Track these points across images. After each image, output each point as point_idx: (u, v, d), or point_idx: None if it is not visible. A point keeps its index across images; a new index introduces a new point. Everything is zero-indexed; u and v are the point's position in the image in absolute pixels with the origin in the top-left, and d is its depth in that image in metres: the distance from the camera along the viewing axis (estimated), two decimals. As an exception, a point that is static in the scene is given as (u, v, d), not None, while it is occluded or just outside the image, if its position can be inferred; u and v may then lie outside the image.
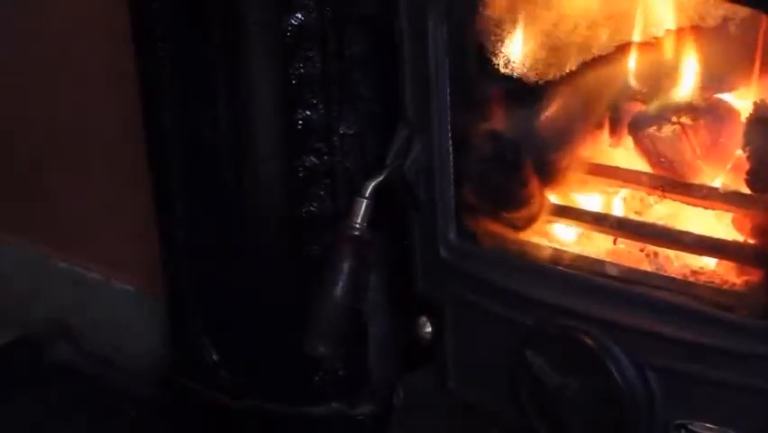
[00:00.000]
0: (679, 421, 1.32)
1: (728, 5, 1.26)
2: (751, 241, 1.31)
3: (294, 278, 1.69)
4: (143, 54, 1.73)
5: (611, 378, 1.33)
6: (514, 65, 1.42)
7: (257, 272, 1.73)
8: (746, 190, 1.31)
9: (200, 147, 1.71)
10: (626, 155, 1.46)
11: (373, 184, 1.46)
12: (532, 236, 1.47)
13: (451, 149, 1.46)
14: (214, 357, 1.79)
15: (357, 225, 1.45)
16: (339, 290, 1.45)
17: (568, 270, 1.40)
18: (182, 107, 1.71)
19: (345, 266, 1.45)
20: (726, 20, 1.32)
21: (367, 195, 1.46)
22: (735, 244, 1.32)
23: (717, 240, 1.33)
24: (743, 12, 1.27)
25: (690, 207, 1.39)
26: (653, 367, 1.32)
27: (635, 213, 1.45)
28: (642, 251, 1.41)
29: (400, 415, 1.63)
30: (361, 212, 1.46)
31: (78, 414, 2.00)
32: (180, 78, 1.69)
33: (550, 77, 1.42)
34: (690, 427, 1.31)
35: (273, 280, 1.72)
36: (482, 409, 1.53)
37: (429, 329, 1.56)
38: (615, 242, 1.44)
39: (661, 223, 1.39)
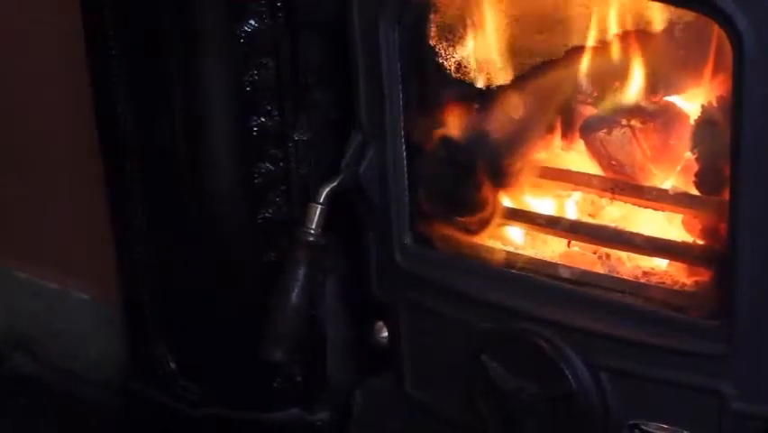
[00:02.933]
0: (632, 421, 1.33)
1: (674, 9, 1.28)
2: (700, 241, 1.32)
3: (251, 284, 1.69)
4: (97, 63, 1.72)
5: (565, 380, 1.34)
6: (465, 69, 1.43)
7: (214, 280, 1.72)
8: (696, 192, 1.33)
9: (156, 155, 1.71)
10: (578, 158, 1.47)
11: (327, 190, 1.47)
12: (486, 240, 1.48)
13: (404, 154, 1.47)
14: (172, 365, 1.78)
15: (311, 231, 1.45)
16: (294, 295, 1.45)
17: (522, 273, 1.42)
18: (138, 116, 1.70)
19: (300, 272, 1.45)
20: (672, 24, 1.33)
21: (321, 200, 1.46)
22: (684, 245, 1.33)
23: (667, 241, 1.34)
24: (688, 16, 1.29)
25: (642, 209, 1.40)
26: (607, 368, 1.33)
27: (589, 215, 1.46)
28: (595, 253, 1.43)
29: (358, 419, 1.64)
30: (315, 217, 1.46)
31: (38, 424, 1.98)
32: (135, 87, 1.68)
33: (501, 81, 1.43)
34: (643, 427, 1.32)
35: (230, 288, 1.72)
36: (440, 413, 1.53)
37: (385, 334, 1.56)
38: (569, 244, 1.45)
39: (612, 225, 1.41)
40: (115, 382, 1.90)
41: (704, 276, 1.31)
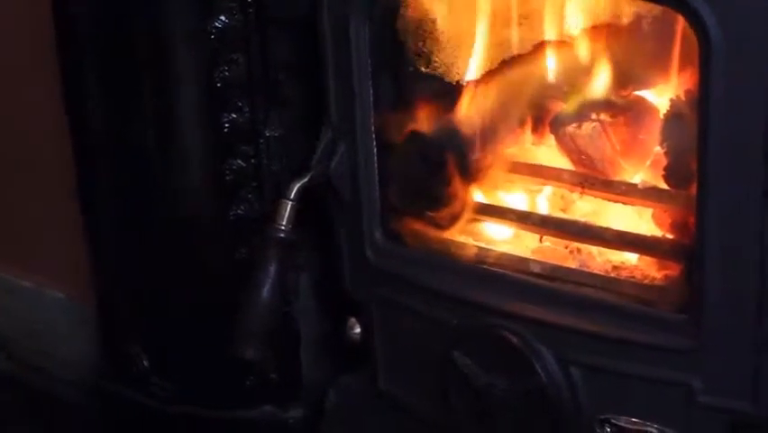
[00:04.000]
0: (603, 416, 1.33)
1: (642, 3, 1.28)
2: (669, 236, 1.32)
3: (224, 282, 1.68)
4: (67, 61, 1.71)
5: (536, 375, 1.34)
6: (435, 65, 1.42)
7: (187, 277, 1.71)
8: (665, 186, 1.33)
9: (128, 153, 1.69)
10: (548, 153, 1.47)
11: (297, 186, 1.46)
12: (457, 236, 1.47)
13: (375, 150, 1.47)
14: (145, 363, 1.77)
15: (282, 227, 1.45)
16: (265, 292, 1.45)
17: (493, 268, 1.41)
18: (109, 114, 1.69)
19: (271, 268, 1.45)
20: (641, 18, 1.33)
21: (291, 197, 1.46)
22: (653, 239, 1.33)
23: (637, 235, 1.34)
24: (656, 10, 1.29)
25: (613, 204, 1.40)
26: (577, 363, 1.33)
27: (561, 210, 1.46)
28: (566, 248, 1.43)
29: (331, 417, 1.63)
30: (286, 214, 1.45)
31: (12, 422, 1.97)
32: (106, 85, 1.67)
33: (471, 76, 1.43)
34: (613, 421, 1.32)
35: (203, 285, 1.71)
36: (413, 410, 1.53)
37: (358, 330, 1.56)
38: (541, 239, 1.45)
39: (583, 219, 1.41)
40: (89, 380, 1.89)
41: (673, 270, 1.31)
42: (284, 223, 1.45)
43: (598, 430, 1.33)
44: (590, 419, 1.33)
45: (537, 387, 1.34)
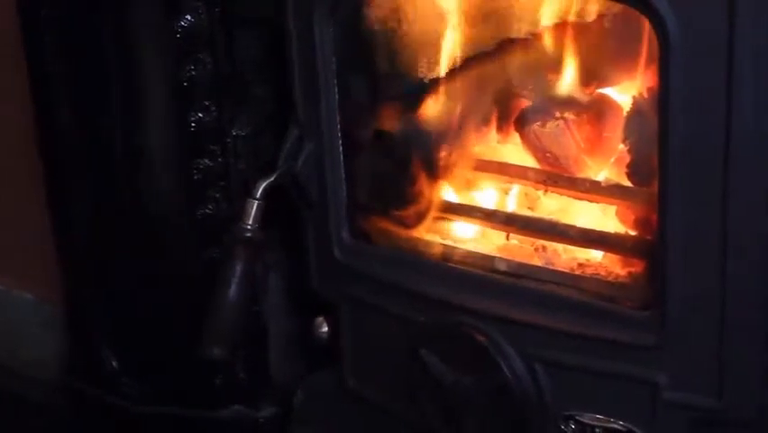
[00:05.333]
0: (568, 413, 1.33)
1: (602, 2, 1.28)
2: (633, 233, 1.33)
3: (192, 281, 1.68)
4: (34, 60, 1.71)
5: (501, 372, 1.34)
6: (400, 64, 1.43)
7: (156, 277, 1.71)
8: (628, 183, 1.34)
9: (95, 153, 1.69)
10: (514, 151, 1.47)
11: (264, 185, 1.46)
12: (424, 234, 1.48)
13: (341, 148, 1.47)
14: (114, 363, 1.77)
15: (249, 227, 1.45)
16: (232, 291, 1.45)
17: (459, 266, 1.41)
18: (76, 114, 1.69)
19: (238, 268, 1.45)
20: (604, 15, 1.34)
21: (258, 196, 1.46)
22: (617, 236, 1.34)
23: (601, 232, 1.35)
24: (618, 8, 1.29)
25: (579, 201, 1.41)
26: (542, 360, 1.33)
27: (529, 208, 1.46)
28: (533, 246, 1.43)
29: (300, 416, 1.64)
30: (253, 213, 1.45)
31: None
32: (72, 84, 1.67)
33: (435, 74, 1.43)
34: (578, 417, 1.33)
35: (172, 285, 1.71)
36: (382, 408, 1.53)
37: (326, 329, 1.56)
38: (507, 237, 1.45)
39: (547, 217, 1.41)
40: (58, 381, 1.88)
41: (637, 267, 1.32)
42: (250, 222, 1.45)
43: (563, 427, 1.33)
44: (555, 416, 1.34)
45: (503, 384, 1.34)
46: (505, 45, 1.40)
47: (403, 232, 1.48)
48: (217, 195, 1.64)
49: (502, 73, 1.43)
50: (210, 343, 1.46)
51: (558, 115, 1.40)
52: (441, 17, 1.40)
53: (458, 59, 1.42)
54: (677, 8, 1.14)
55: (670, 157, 1.18)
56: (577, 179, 1.38)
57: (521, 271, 1.38)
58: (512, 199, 1.46)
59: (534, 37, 1.39)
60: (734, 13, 1.11)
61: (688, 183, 1.18)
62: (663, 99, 1.17)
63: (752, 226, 1.18)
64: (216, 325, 1.46)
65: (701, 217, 1.19)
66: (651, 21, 1.17)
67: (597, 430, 1.32)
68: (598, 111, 1.40)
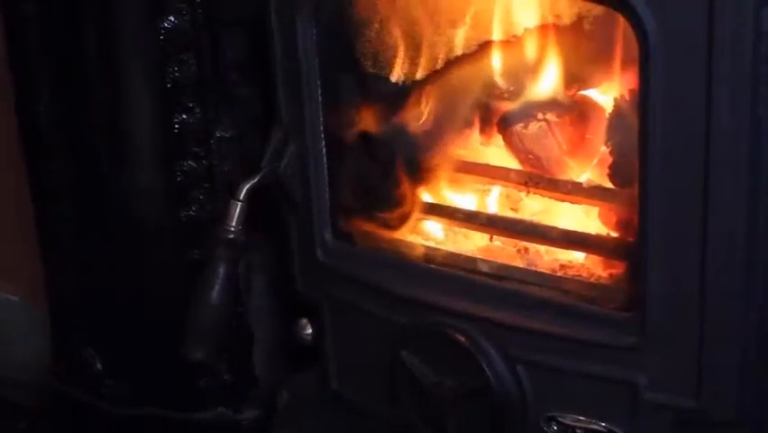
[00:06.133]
0: (550, 414, 1.34)
1: (582, 3, 1.29)
2: (614, 234, 1.33)
3: (176, 283, 1.68)
4: (17, 61, 1.70)
5: (482, 374, 1.34)
6: (382, 65, 1.43)
7: (140, 279, 1.71)
8: (609, 185, 1.34)
9: (78, 154, 1.69)
10: (497, 153, 1.47)
11: (247, 187, 1.46)
12: (406, 235, 1.48)
13: (324, 150, 1.47)
14: (99, 366, 1.76)
15: (231, 228, 1.45)
16: (215, 293, 1.45)
17: (441, 268, 1.42)
18: (59, 114, 1.69)
19: (220, 270, 1.45)
20: (586, 17, 1.34)
21: (241, 197, 1.46)
22: (598, 238, 1.34)
23: (582, 234, 1.35)
24: (598, 9, 1.29)
25: (562, 203, 1.41)
26: (524, 361, 1.34)
27: (512, 209, 1.47)
28: (515, 247, 1.43)
29: (283, 417, 1.63)
30: (236, 215, 1.45)
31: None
32: (56, 85, 1.67)
33: (418, 76, 1.44)
34: (560, 419, 1.33)
35: (156, 287, 1.71)
36: (366, 410, 1.53)
37: (310, 331, 1.56)
38: (491, 239, 1.45)
39: (529, 218, 1.41)
40: (42, 382, 1.88)
41: (618, 268, 1.32)
42: (233, 224, 1.45)
43: (544, 428, 1.33)
44: (537, 417, 1.34)
45: (484, 385, 1.34)
46: (488, 47, 1.40)
47: (386, 233, 1.48)
48: (201, 196, 1.64)
49: (485, 75, 1.43)
50: (192, 345, 1.46)
51: (540, 116, 1.40)
52: (423, 19, 1.40)
53: (441, 61, 1.42)
54: (655, 9, 1.14)
55: (650, 158, 1.18)
56: (559, 180, 1.38)
57: (503, 273, 1.38)
58: (494, 201, 1.46)
59: (517, 39, 1.39)
60: (712, 13, 1.11)
61: (668, 185, 1.18)
62: (643, 100, 1.17)
63: (731, 228, 1.18)
64: (198, 327, 1.46)
65: (681, 219, 1.19)
66: (630, 22, 1.17)
67: (578, 431, 1.32)
68: (580, 113, 1.41)
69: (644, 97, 1.17)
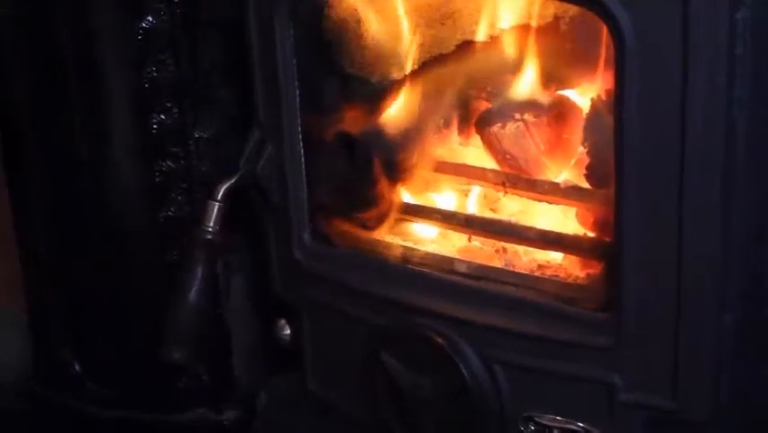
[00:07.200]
0: (527, 414, 1.34)
1: (558, 4, 1.29)
2: (591, 234, 1.33)
3: (155, 284, 1.67)
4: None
5: (459, 374, 1.34)
6: (359, 65, 1.43)
7: (118, 280, 1.70)
8: (587, 185, 1.34)
9: (56, 155, 1.68)
10: (475, 153, 1.47)
11: (225, 187, 1.46)
12: (384, 236, 1.48)
13: (302, 150, 1.46)
14: (77, 368, 1.76)
15: (209, 229, 1.45)
16: (192, 294, 1.44)
17: (419, 268, 1.41)
18: (36, 116, 1.68)
19: (198, 271, 1.44)
20: (563, 18, 1.34)
21: (218, 198, 1.45)
22: (575, 238, 1.34)
23: (559, 234, 1.35)
24: (575, 10, 1.30)
25: (539, 203, 1.41)
26: (501, 362, 1.34)
27: (491, 210, 1.47)
28: (493, 247, 1.43)
29: (263, 418, 1.63)
30: (213, 215, 1.45)
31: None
32: (33, 86, 1.66)
33: (395, 76, 1.43)
34: (537, 419, 1.33)
35: (134, 288, 1.70)
36: (344, 411, 1.53)
37: (288, 332, 1.56)
38: (470, 239, 1.45)
39: (507, 219, 1.41)
40: (21, 385, 1.87)
41: (595, 269, 1.32)
42: (211, 224, 1.45)
43: (522, 428, 1.33)
44: (515, 418, 1.34)
45: (462, 386, 1.34)
46: (465, 47, 1.40)
47: (364, 234, 1.48)
48: (180, 197, 1.64)
49: (463, 75, 1.43)
50: (170, 346, 1.45)
51: (518, 117, 1.40)
52: (401, 19, 1.40)
53: (419, 61, 1.42)
54: (630, 9, 1.15)
55: (625, 158, 1.19)
56: (536, 180, 1.38)
57: (481, 273, 1.38)
58: (472, 201, 1.46)
59: (495, 39, 1.39)
60: (687, 14, 1.11)
61: (643, 185, 1.19)
62: (619, 101, 1.17)
63: (707, 229, 1.18)
64: (176, 328, 1.45)
65: (657, 219, 1.19)
66: (606, 23, 1.17)
67: (555, 431, 1.32)
68: (557, 113, 1.41)
69: (619, 97, 1.17)
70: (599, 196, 1.30)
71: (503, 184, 1.39)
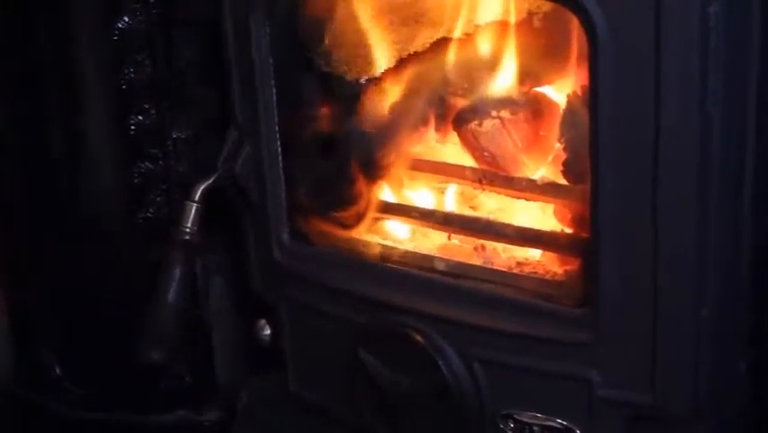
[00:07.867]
0: (506, 411, 1.33)
1: (532, 0, 1.29)
2: (568, 231, 1.33)
3: (135, 285, 1.67)
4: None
5: (439, 372, 1.34)
6: (336, 63, 1.42)
7: (97, 282, 1.70)
8: (564, 181, 1.34)
9: (35, 157, 1.68)
10: (453, 150, 1.47)
11: (202, 188, 1.45)
12: (363, 234, 1.47)
13: (280, 150, 1.46)
14: (58, 370, 1.75)
15: (186, 230, 1.44)
16: (171, 295, 1.44)
17: (398, 267, 1.41)
18: (14, 117, 1.68)
19: (176, 271, 1.44)
20: (538, 14, 1.34)
21: (196, 198, 1.45)
22: (553, 235, 1.34)
23: (537, 231, 1.35)
24: (549, 6, 1.29)
25: (518, 200, 1.41)
26: (480, 359, 1.33)
27: (471, 207, 1.46)
28: (472, 245, 1.43)
29: (243, 419, 1.63)
30: (191, 216, 1.45)
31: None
32: (9, 87, 1.66)
33: (371, 74, 1.43)
34: (516, 416, 1.33)
35: (114, 289, 1.70)
36: (324, 411, 1.52)
37: (268, 332, 1.55)
38: (449, 237, 1.45)
39: (485, 216, 1.41)
40: (2, 387, 1.86)
41: (573, 265, 1.31)
42: (188, 225, 1.44)
43: (501, 426, 1.33)
44: (494, 415, 1.34)
45: (441, 384, 1.34)
46: (441, 45, 1.39)
47: (342, 233, 1.48)
48: (158, 198, 1.64)
49: (439, 73, 1.42)
50: (148, 347, 1.45)
51: (495, 114, 1.39)
52: (375, 16, 1.40)
53: (395, 59, 1.41)
54: (605, 7, 1.14)
55: (600, 154, 1.18)
56: (513, 177, 1.38)
57: (460, 271, 1.38)
58: (450, 199, 1.45)
59: (470, 36, 1.39)
60: (659, 10, 1.11)
61: (619, 180, 1.18)
62: (593, 95, 1.17)
63: (682, 225, 1.18)
64: (155, 329, 1.45)
65: (632, 215, 1.19)
66: (579, 19, 1.17)
67: (535, 429, 1.32)
68: (534, 110, 1.40)
69: (593, 92, 1.17)
70: (576, 192, 1.30)
71: (480, 181, 1.38)
